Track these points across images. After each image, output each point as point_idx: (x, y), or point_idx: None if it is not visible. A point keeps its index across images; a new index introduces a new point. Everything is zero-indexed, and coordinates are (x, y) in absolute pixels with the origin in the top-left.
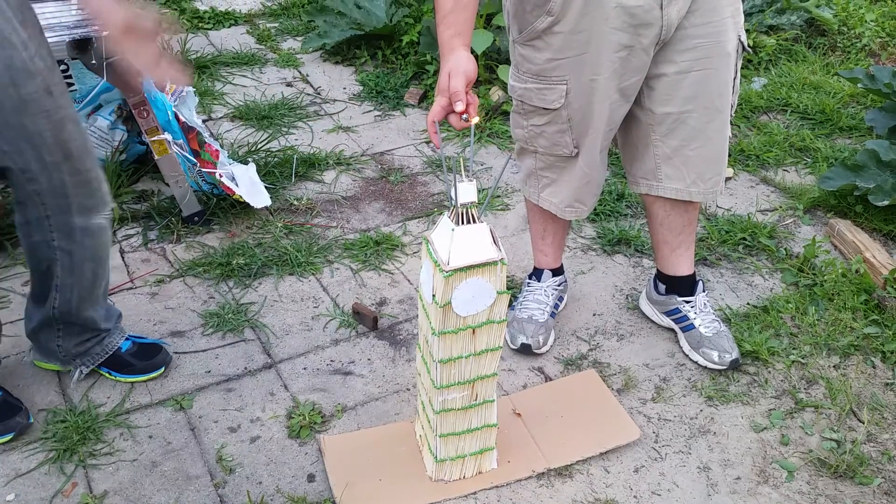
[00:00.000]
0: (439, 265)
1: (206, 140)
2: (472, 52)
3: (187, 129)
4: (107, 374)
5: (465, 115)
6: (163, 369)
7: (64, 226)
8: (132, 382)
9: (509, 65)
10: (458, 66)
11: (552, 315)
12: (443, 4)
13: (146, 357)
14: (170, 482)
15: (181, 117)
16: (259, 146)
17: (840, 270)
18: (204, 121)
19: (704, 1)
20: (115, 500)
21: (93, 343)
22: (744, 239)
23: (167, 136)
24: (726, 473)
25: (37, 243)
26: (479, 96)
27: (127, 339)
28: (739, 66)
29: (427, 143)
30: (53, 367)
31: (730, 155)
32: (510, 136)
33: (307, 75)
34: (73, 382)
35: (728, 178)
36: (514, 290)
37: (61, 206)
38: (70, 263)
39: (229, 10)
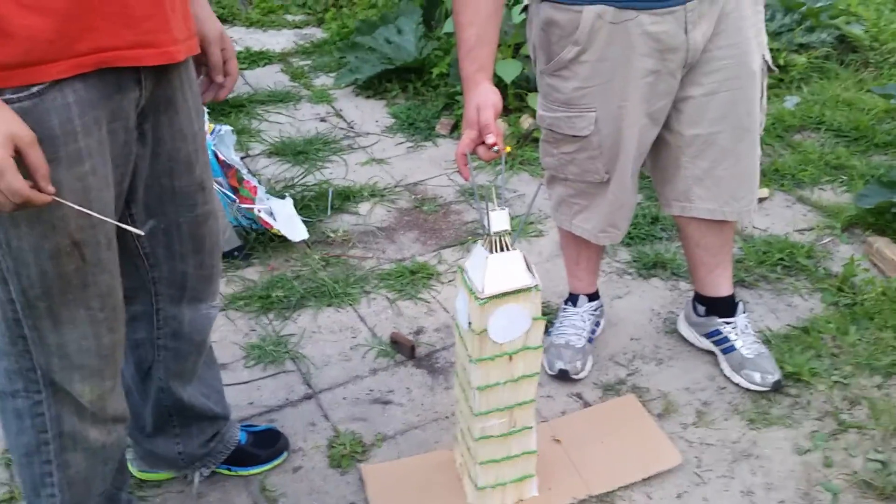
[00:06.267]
0: (474, 293)
1: (245, 177)
2: (498, 79)
3: (226, 167)
4: (227, 472)
5: (495, 147)
6: (286, 454)
7: (173, 319)
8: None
9: (538, 93)
10: (486, 99)
11: (589, 340)
12: (466, 40)
13: (267, 445)
14: None
15: (220, 156)
16: (295, 181)
17: (880, 289)
18: (242, 158)
19: (729, 22)
20: None
21: (216, 441)
22: (781, 259)
23: None
24: (770, 497)
25: (140, 342)
26: (509, 124)
27: (240, 429)
28: (765, 84)
29: (459, 172)
30: (163, 476)
31: (764, 175)
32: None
33: (340, 110)
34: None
35: (763, 199)
36: (550, 315)
37: (174, 297)
38: (174, 361)
39: (263, 49)
